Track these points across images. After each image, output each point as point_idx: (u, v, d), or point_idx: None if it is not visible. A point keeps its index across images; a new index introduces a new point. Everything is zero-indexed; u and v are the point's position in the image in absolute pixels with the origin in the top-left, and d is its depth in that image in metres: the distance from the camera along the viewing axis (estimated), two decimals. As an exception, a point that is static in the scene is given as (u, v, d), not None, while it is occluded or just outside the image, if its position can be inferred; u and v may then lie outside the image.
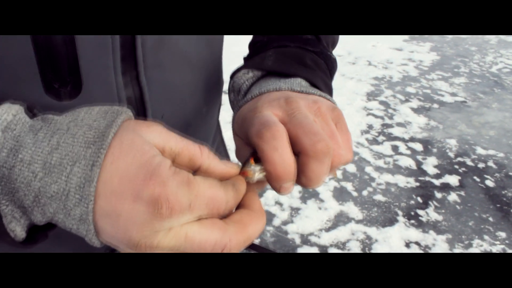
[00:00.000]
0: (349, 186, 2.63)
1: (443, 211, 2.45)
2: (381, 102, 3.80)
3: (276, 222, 2.31)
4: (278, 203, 2.44)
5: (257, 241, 2.17)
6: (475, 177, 2.76)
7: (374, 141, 3.16)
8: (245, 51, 0.56)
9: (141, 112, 0.47)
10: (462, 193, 2.61)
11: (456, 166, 2.88)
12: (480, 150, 3.07)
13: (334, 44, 0.59)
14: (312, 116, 0.37)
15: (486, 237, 2.26)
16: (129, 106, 0.45)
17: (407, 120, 3.48)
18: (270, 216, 2.34)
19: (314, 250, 2.12)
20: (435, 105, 3.77)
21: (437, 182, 2.71)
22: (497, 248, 2.19)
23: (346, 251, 2.12)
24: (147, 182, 0.28)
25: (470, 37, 5.68)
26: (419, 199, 2.55)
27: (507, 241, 2.23)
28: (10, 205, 0.29)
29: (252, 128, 0.36)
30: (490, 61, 4.88)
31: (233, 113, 0.46)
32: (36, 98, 0.40)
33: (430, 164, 2.89)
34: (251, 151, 0.37)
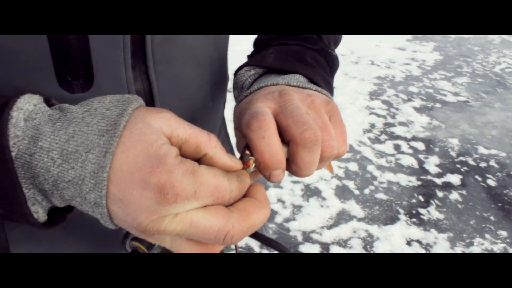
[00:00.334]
0: (351, 184, 2.64)
1: (444, 209, 2.46)
2: (384, 102, 3.81)
3: (278, 219, 2.32)
4: (280, 200, 2.46)
5: (259, 238, 2.18)
6: (476, 176, 2.77)
7: (377, 140, 3.17)
8: (248, 50, 0.58)
9: (149, 106, 0.49)
10: (464, 192, 2.62)
11: (458, 165, 2.89)
12: (482, 150, 3.08)
13: (336, 42, 0.61)
14: (304, 108, 0.38)
15: (487, 236, 2.27)
16: None
17: (410, 119, 3.49)
18: (272, 214, 2.36)
19: (316, 247, 2.14)
20: (438, 105, 3.77)
21: (438, 181, 2.72)
22: (498, 247, 2.20)
23: (347, 249, 2.13)
24: (154, 170, 0.29)
25: (473, 37, 5.68)
26: (420, 197, 2.56)
27: (508, 240, 2.24)
28: (32, 189, 0.31)
29: (243, 119, 0.37)
30: (493, 61, 4.88)
31: (234, 107, 0.48)
32: (49, 90, 0.42)
33: (432, 163, 2.89)
34: (245, 142, 0.38)
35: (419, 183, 2.69)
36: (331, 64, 0.53)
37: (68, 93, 0.43)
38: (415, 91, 4.03)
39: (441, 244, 2.20)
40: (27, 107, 0.31)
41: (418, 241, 2.22)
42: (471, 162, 2.94)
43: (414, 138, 3.21)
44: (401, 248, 2.16)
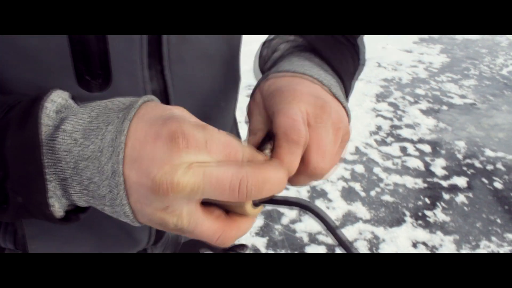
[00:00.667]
0: (357, 186, 2.65)
1: (450, 212, 2.46)
2: (390, 104, 3.80)
3: (285, 220, 2.33)
4: (287, 201, 2.46)
5: (265, 240, 2.19)
6: (483, 179, 2.76)
7: (383, 142, 3.17)
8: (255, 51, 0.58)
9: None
10: (470, 194, 2.62)
11: (465, 168, 2.88)
12: (488, 152, 3.07)
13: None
14: (331, 137, 0.40)
15: (493, 238, 2.27)
16: None
17: (416, 122, 3.49)
18: (278, 215, 2.37)
19: (322, 248, 2.14)
20: (444, 107, 3.77)
21: (445, 183, 2.72)
22: (504, 250, 2.19)
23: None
24: (165, 122, 0.31)
25: (480, 40, 5.65)
26: (426, 200, 2.56)
27: (515, 243, 2.24)
28: (54, 181, 0.32)
29: (279, 118, 0.38)
30: (501, 63, 4.86)
31: (259, 77, 0.49)
32: (68, 89, 0.43)
33: (438, 166, 2.89)
34: (269, 135, 0.40)
35: (425, 185, 2.69)
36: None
37: (87, 91, 0.44)
38: (421, 93, 4.02)
39: (447, 247, 2.19)
40: (60, 101, 0.34)
41: (424, 243, 2.22)
42: (477, 164, 2.93)
43: (421, 141, 3.21)
44: (407, 250, 2.16)
